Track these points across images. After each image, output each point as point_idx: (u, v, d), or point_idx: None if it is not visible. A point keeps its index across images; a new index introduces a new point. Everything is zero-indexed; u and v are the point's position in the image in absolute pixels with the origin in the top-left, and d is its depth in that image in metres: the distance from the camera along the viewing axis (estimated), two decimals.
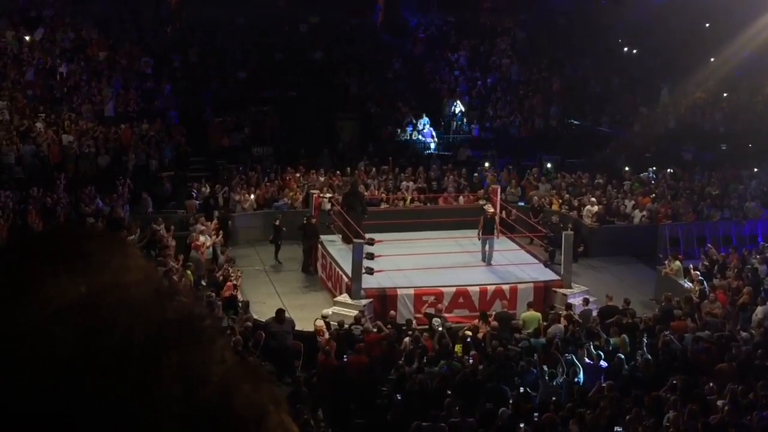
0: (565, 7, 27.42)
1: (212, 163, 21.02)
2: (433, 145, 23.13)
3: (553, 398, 9.95)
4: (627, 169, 21.55)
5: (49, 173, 18.49)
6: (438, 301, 13.89)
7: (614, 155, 22.79)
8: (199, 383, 0.54)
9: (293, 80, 24.10)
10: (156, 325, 0.56)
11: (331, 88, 24.24)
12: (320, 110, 23.26)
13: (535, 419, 9.42)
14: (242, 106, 22.65)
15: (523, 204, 19.06)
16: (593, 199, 18.71)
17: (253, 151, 21.70)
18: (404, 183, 19.85)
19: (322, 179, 19.36)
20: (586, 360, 11.15)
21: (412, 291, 14.12)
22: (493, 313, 13.33)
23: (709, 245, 15.97)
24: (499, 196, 17.56)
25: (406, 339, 11.83)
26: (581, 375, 10.76)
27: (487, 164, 21.64)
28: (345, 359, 11.11)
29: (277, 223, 16.91)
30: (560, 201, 19.15)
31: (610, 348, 11.64)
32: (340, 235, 16.15)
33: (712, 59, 24.86)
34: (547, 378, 10.50)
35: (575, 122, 24.51)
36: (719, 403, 9.33)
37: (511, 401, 9.83)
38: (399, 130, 23.22)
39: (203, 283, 14.38)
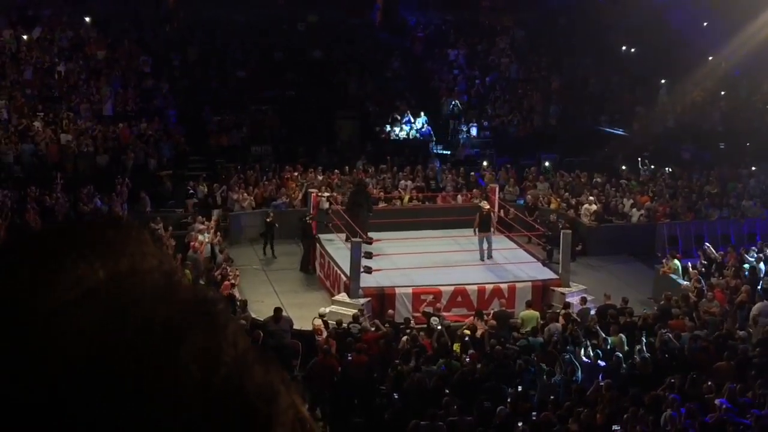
0: (564, 6, 27.42)
1: (211, 162, 21.03)
2: (432, 143, 23.11)
3: (551, 397, 9.96)
4: (624, 168, 21.57)
5: (48, 172, 18.49)
6: (436, 300, 13.92)
7: (613, 154, 22.81)
8: (215, 364, 0.56)
9: (292, 79, 24.09)
10: (174, 307, 0.59)
11: (330, 88, 24.24)
12: (319, 109, 23.27)
13: (534, 418, 9.43)
14: (241, 105, 22.65)
15: (521, 202, 19.08)
16: (591, 198, 18.72)
17: (251, 150, 21.71)
18: (402, 182, 19.86)
19: (320, 178, 19.37)
20: (584, 359, 11.16)
21: (410, 290, 14.15)
22: (492, 311, 13.35)
23: (707, 244, 15.98)
24: (497, 195, 17.55)
25: (404, 338, 11.83)
26: (579, 374, 10.78)
27: (485, 163, 21.65)
28: (349, 358, 11.10)
29: (269, 219, 17.00)
30: (558, 200, 19.16)
31: (609, 347, 11.66)
32: (340, 234, 16.13)
33: (711, 58, 24.87)
34: (545, 377, 10.51)
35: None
36: (717, 401, 9.34)
37: (509, 400, 9.84)
38: (389, 127, 23.17)
39: (201, 282, 14.37)
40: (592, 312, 13.19)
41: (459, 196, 19.48)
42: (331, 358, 11.11)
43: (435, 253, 15.33)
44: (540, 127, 24.29)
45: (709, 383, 9.94)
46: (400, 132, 23.15)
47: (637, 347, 11.51)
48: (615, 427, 9.08)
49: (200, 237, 15.54)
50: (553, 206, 18.82)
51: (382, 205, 18.59)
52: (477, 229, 15.43)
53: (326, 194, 17.63)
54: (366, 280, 14.02)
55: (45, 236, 0.64)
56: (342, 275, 14.48)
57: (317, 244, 16.33)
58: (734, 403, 9.23)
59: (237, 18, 26.08)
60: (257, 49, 25.39)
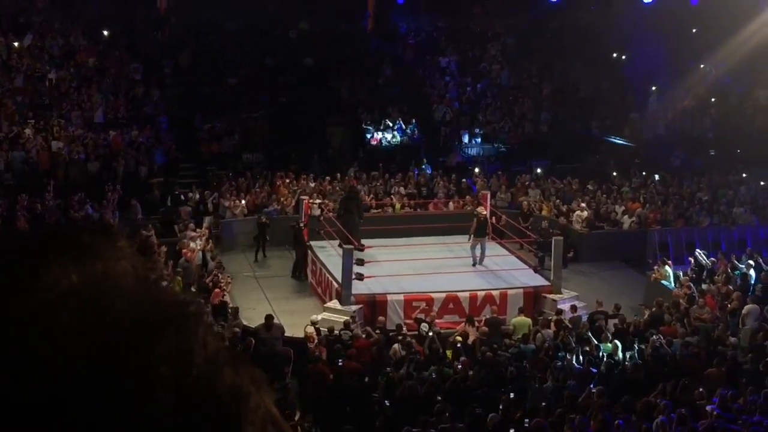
0: (554, 12, 27.53)
1: (202, 170, 20.99)
2: (397, 137, 23.02)
3: (543, 404, 9.95)
4: (615, 174, 21.63)
5: (39, 180, 18.40)
6: (428, 306, 13.89)
7: (604, 161, 22.87)
8: (187, 365, 0.58)
9: (283, 86, 24.06)
10: (147, 310, 0.61)
11: (322, 94, 24.23)
12: (311, 116, 23.24)
13: (525, 425, 9.41)
14: (232, 111, 22.60)
15: (513, 210, 19.10)
16: (583, 204, 18.76)
17: (243, 158, 21.67)
18: (394, 188, 19.86)
19: (312, 185, 19.35)
20: (576, 366, 11.15)
21: (402, 297, 14.14)
22: (484, 318, 13.36)
23: (698, 251, 16.02)
24: (488, 202, 17.58)
25: (396, 345, 11.80)
26: (571, 380, 10.77)
27: (476, 170, 21.67)
28: (340, 363, 11.08)
29: (262, 220, 17.01)
30: (550, 206, 19.19)
31: (601, 353, 11.67)
32: (332, 241, 16.10)
33: (702, 66, 25.00)
34: (536, 384, 10.50)
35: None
36: (708, 408, 9.35)
37: (501, 406, 9.82)
38: (380, 134, 23.17)
39: (193, 289, 14.30)
40: (584, 318, 13.20)
41: (450, 203, 19.49)
42: (323, 365, 11.07)
43: (427, 259, 15.33)
44: (531, 134, 24.35)
45: (700, 389, 9.96)
46: (392, 139, 23.15)
47: (629, 353, 11.53)
48: None
49: (192, 244, 15.48)
50: (544, 213, 18.85)
51: (373, 211, 18.58)
52: (472, 235, 15.45)
53: (318, 201, 17.61)
54: (358, 287, 13.99)
55: (20, 241, 0.66)
56: (334, 282, 14.45)
57: (309, 252, 16.30)
58: (725, 409, 9.25)
59: (229, 24, 26.07)
60: (248, 56, 25.36)
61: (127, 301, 0.60)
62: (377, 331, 12.35)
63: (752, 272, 14.70)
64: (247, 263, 17.11)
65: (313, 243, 16.39)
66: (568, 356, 11.43)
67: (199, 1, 25.41)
